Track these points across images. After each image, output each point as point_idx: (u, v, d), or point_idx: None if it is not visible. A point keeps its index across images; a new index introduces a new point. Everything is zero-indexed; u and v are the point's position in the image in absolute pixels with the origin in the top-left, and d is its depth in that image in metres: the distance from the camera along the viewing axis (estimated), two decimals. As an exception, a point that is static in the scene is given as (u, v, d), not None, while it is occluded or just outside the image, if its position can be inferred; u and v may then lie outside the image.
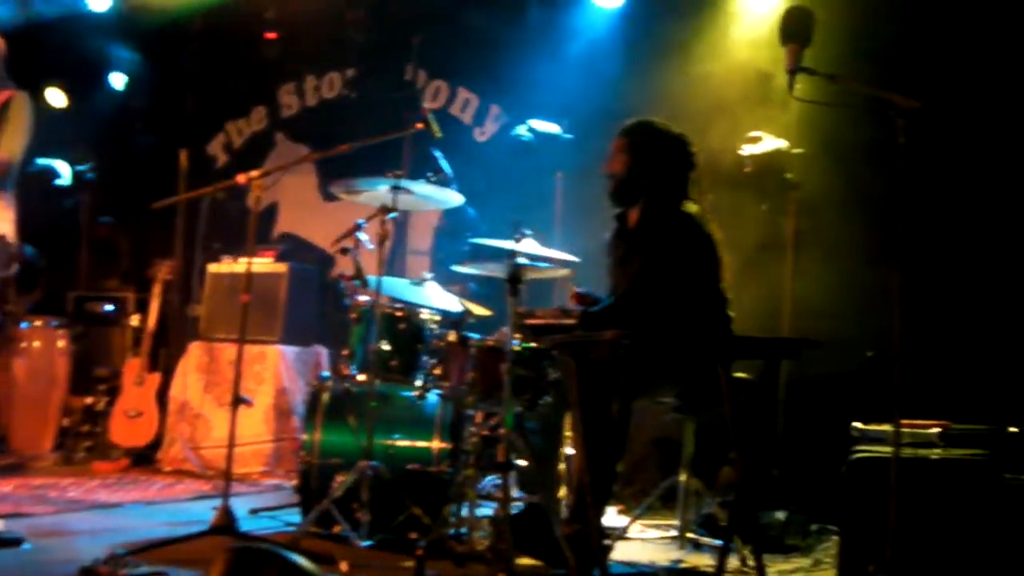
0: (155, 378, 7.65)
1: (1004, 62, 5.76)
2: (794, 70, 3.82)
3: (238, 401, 4.89)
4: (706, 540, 5.11)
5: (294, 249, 8.39)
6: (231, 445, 4.88)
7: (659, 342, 4.15)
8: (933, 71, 5.77)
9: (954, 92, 5.71)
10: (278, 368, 7.19)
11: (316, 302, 7.76)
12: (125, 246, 9.27)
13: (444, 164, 6.19)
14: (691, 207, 4.71)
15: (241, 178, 5.03)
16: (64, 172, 9.06)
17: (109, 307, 8.49)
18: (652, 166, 4.79)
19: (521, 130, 6.93)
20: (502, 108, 8.20)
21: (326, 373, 5.79)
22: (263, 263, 7.42)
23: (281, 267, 7.46)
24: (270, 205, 8.94)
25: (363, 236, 5.25)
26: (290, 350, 7.32)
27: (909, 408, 3.79)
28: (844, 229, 6.05)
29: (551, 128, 6.89)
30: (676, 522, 5.16)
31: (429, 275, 5.76)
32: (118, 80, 9.25)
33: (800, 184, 6.18)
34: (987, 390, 5.28)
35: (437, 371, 5.29)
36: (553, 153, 6.88)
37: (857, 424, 4.42)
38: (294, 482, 5.47)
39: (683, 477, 5.00)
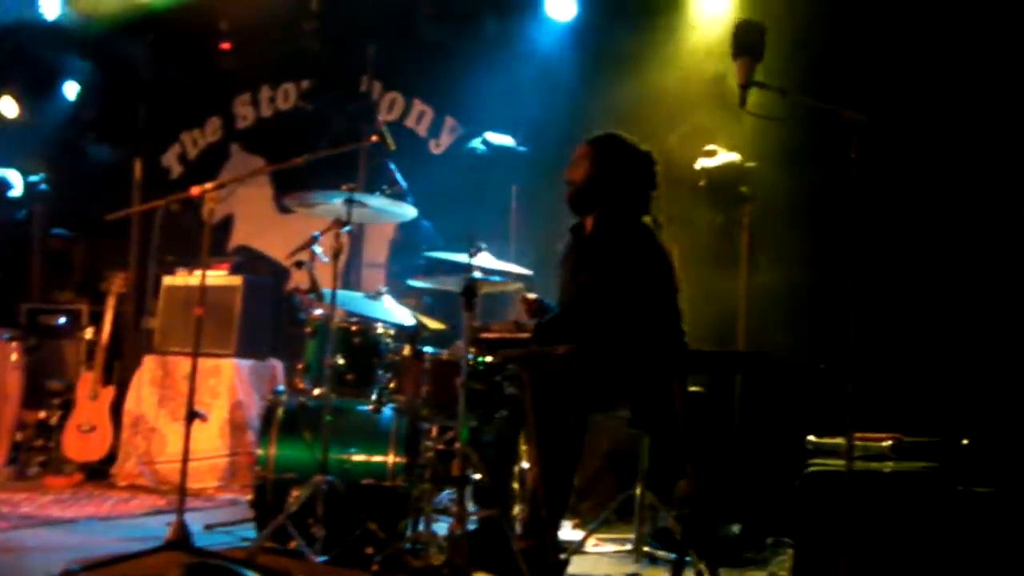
0: (109, 392, 7.56)
1: (948, 69, 5.81)
2: (746, 85, 3.82)
3: (192, 415, 4.83)
4: (661, 554, 5.10)
5: (249, 262, 8.32)
6: (185, 460, 4.82)
7: (612, 356, 4.14)
8: (880, 81, 5.82)
9: (902, 101, 5.76)
10: (233, 382, 7.13)
11: (271, 315, 7.70)
12: (78, 258, 9.17)
13: (399, 177, 6.16)
14: (647, 220, 4.72)
15: (195, 190, 4.98)
16: (16, 183, 8.96)
17: (62, 320, 8.39)
18: (614, 177, 4.80)
19: (476, 143, 6.92)
20: (457, 120, 8.18)
21: (281, 387, 5.73)
22: (218, 276, 7.36)
23: (236, 280, 7.40)
24: (225, 217, 8.88)
25: (318, 249, 5.20)
26: (245, 364, 7.26)
27: (862, 420, 3.81)
28: (797, 241, 6.08)
29: (506, 141, 6.88)
30: (632, 536, 5.16)
31: (384, 288, 5.73)
32: (71, 90, 9.14)
33: (754, 197, 6.21)
34: (938, 401, 5.32)
35: (392, 385, 5.27)
36: (508, 166, 6.87)
37: (811, 437, 4.43)
38: (249, 497, 5.42)
39: (638, 491, 5.00)
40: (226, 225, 8.91)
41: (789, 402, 5.78)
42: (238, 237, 8.92)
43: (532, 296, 4.97)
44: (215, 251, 8.18)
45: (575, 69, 7.35)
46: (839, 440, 4.20)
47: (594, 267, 4.64)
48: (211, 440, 6.99)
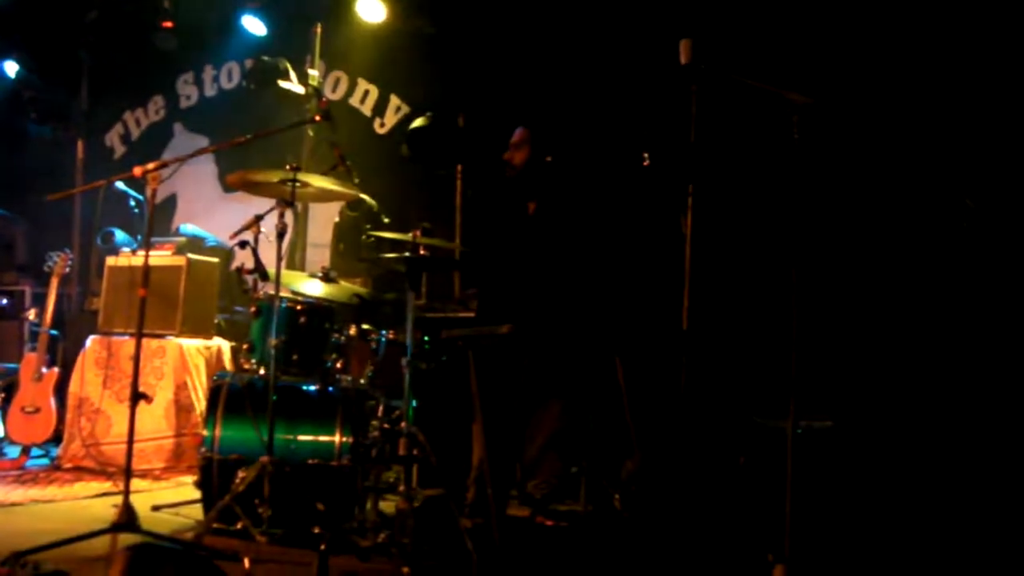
0: (53, 374, 7.42)
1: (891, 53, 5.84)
2: (691, 68, 3.81)
3: (137, 396, 4.75)
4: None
5: (193, 242, 8.21)
6: (131, 441, 4.74)
7: (557, 334, 4.13)
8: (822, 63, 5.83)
9: (844, 83, 5.77)
10: (178, 362, 7.03)
11: (216, 295, 7.61)
12: (20, 239, 9.00)
13: (343, 156, 6.09)
14: (591, 198, 4.71)
15: (137, 171, 4.87)
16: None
17: (4, 301, 8.23)
18: (554, 158, 4.77)
19: (420, 121, 6.86)
20: (402, 99, 8.11)
21: (227, 367, 5.66)
22: (162, 256, 7.25)
23: (180, 260, 7.29)
24: (169, 197, 8.77)
25: (262, 229, 5.14)
26: (190, 344, 7.17)
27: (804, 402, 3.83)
28: (743, 222, 6.08)
29: (451, 120, 6.83)
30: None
31: (329, 268, 5.67)
32: (11, 68, 8.95)
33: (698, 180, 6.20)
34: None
35: (338, 365, 5.22)
36: (453, 145, 6.83)
37: (756, 418, 4.45)
38: (196, 478, 5.35)
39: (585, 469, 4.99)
40: (170, 205, 8.81)
41: (734, 382, 5.79)
42: (182, 217, 8.82)
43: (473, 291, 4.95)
44: (159, 231, 8.08)
45: (522, 45, 7.28)
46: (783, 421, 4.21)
47: (540, 247, 4.62)
48: (156, 421, 6.90)
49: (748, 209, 6.02)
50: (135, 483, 4.69)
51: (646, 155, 6.07)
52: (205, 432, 5.12)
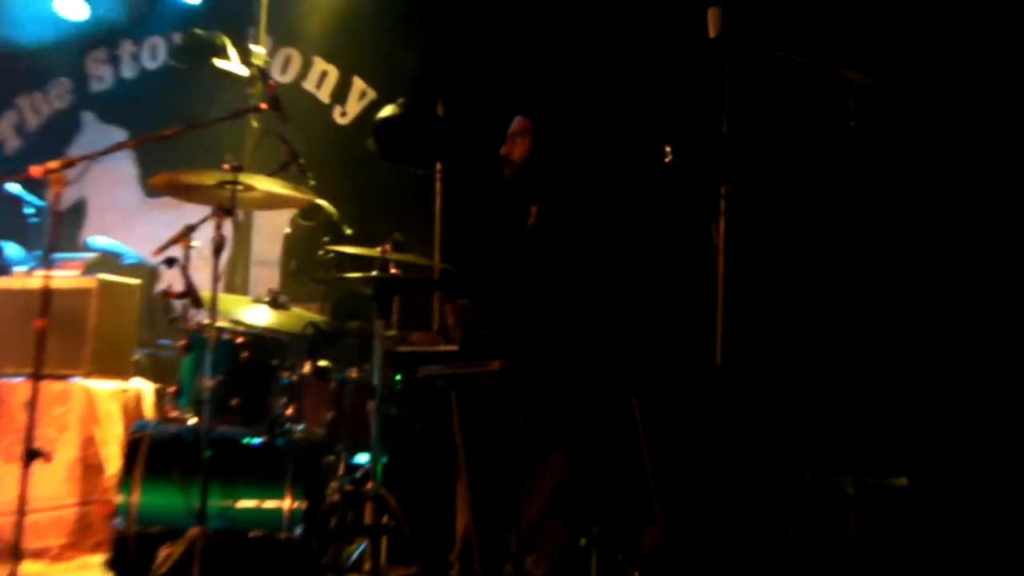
0: (-72, 425, 7.47)
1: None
2: (722, 42, 3.89)
3: (32, 455, 4.79)
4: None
5: (107, 259, 8.26)
6: (22, 512, 4.78)
7: (561, 370, 4.19)
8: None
9: (914, 57, 5.82)
10: (86, 410, 7.04)
11: (135, 326, 7.66)
12: None
13: (296, 153, 6.17)
14: (603, 203, 4.78)
15: (35, 170, 4.94)
16: None
17: None
18: (560, 153, 4.84)
19: (390, 110, 6.94)
20: (368, 83, 8.19)
21: (147, 416, 5.72)
22: (66, 277, 7.29)
23: (89, 282, 7.32)
24: (76, 203, 8.81)
25: (195, 243, 5.20)
26: (102, 387, 7.20)
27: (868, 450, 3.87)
28: (787, 232, 6.14)
29: (428, 108, 6.90)
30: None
31: (278, 291, 5.73)
32: None
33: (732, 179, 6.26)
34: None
35: (289, 411, 5.26)
36: (431, 138, 6.89)
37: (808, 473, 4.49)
38: (106, 557, 5.39)
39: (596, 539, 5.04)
40: (78, 213, 8.85)
41: (777, 425, 5.83)
42: (93, 228, 8.85)
43: (462, 301, 5.01)
44: (63, 245, 8.13)
45: (513, 15, 7.36)
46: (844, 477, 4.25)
47: (544, 266, 4.68)
48: (56, 486, 6.89)
49: (794, 215, 6.08)
50: (26, 566, 4.72)
51: (669, 149, 6.15)
52: (119, 498, 5.16)
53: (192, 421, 5.18)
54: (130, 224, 8.69)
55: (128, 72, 9.03)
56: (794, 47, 4.06)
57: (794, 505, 4.37)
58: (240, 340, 5.29)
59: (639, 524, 5.43)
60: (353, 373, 5.08)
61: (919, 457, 4.53)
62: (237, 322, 5.40)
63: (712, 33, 3.90)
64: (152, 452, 5.19)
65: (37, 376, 4.88)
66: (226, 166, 4.99)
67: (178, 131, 5.22)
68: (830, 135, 3.97)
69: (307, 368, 5.23)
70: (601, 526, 5.04)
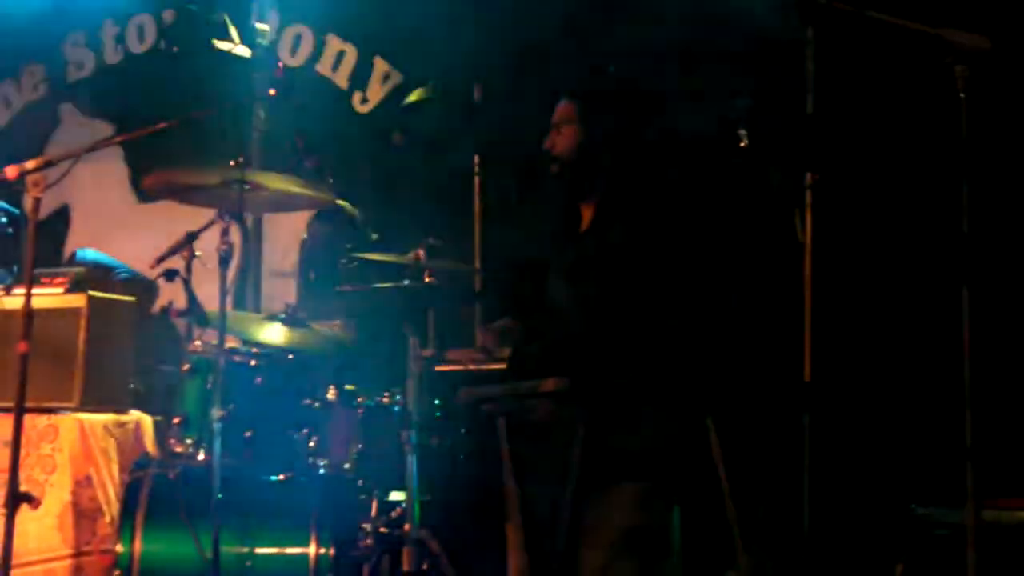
0: None
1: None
2: (806, 2, 3.86)
3: (17, 499, 4.81)
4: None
5: (96, 273, 8.29)
6: (7, 566, 4.80)
7: (626, 391, 4.17)
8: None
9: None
10: (77, 448, 7.08)
11: (132, 349, 7.69)
12: None
13: (310, 146, 6.19)
14: (669, 199, 4.76)
15: (10, 171, 4.95)
16: None
17: None
18: (614, 141, 4.83)
19: (418, 95, 6.95)
20: (391, 64, 8.20)
21: (149, 452, 5.73)
22: (50, 295, 7.33)
23: (77, 300, 7.35)
24: (59, 209, 8.86)
25: (197, 253, 5.21)
26: (95, 420, 7.23)
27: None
28: (885, 227, 6.11)
29: (462, 93, 6.92)
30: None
31: (295, 306, 5.74)
32: None
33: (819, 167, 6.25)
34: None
35: (312, 443, 5.27)
36: (467, 129, 6.91)
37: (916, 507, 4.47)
38: (105, 615, 5.42)
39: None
40: (61, 221, 8.89)
41: (878, 450, 5.81)
42: (79, 238, 8.90)
43: (500, 324, 4.96)
44: (45, 260, 8.17)
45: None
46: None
47: (603, 274, 4.66)
48: (45, 534, 6.93)
49: (893, 206, 6.05)
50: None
51: (743, 133, 6.13)
52: (119, 548, 5.19)
53: (200, 457, 5.19)
54: (121, 232, 8.72)
55: (112, 57, 9.05)
56: (891, 6, 4.02)
57: (901, 543, 4.33)
58: (253, 363, 5.31)
59: (718, 565, 5.44)
60: (384, 398, 5.08)
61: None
62: (249, 342, 5.40)
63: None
64: (155, 494, 5.21)
65: (20, 409, 4.89)
66: (231, 163, 5.00)
67: (173, 124, 5.22)
68: (935, 112, 3.93)
69: (331, 393, 5.23)
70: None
